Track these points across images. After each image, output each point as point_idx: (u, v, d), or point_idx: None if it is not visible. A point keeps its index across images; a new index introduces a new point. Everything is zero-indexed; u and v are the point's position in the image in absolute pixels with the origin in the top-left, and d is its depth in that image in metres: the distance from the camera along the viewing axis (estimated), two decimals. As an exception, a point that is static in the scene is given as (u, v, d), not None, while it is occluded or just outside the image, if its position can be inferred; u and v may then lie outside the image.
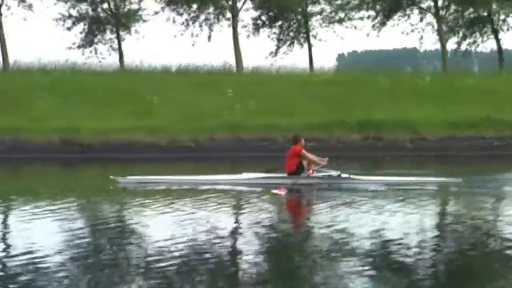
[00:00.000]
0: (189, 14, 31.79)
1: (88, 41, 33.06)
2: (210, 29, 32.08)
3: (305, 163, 13.80)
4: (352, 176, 13.62)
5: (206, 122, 21.36)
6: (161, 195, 11.40)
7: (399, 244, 7.00)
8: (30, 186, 14.05)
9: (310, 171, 14.08)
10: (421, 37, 33.56)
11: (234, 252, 7.05)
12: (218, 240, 7.44)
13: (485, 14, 32.28)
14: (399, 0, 31.81)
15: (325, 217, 9.25)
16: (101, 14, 33.03)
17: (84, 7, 32.61)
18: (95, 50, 33.11)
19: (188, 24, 31.82)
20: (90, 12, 32.93)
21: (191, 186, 12.86)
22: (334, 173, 13.71)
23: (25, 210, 9.76)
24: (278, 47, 33.75)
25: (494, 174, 16.01)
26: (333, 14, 32.93)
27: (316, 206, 11.07)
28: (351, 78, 26.70)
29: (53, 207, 9.66)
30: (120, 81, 25.66)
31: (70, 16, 32.66)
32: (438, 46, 33.65)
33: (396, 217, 9.19)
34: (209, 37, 32.27)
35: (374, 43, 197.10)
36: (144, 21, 33.24)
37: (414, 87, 25.41)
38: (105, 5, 32.67)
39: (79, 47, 32.90)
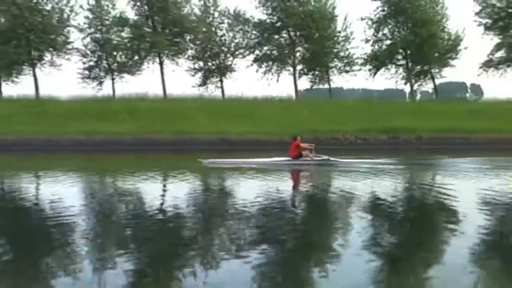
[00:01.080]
0: (266, 67, 47.46)
1: (204, 82, 49.20)
2: (278, 75, 47.77)
3: (302, 151, 21.19)
4: (335, 159, 21.13)
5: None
6: (227, 170, 18.75)
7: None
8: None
9: (311, 156, 21.12)
10: (396, 81, 48.15)
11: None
12: (271, 195, 12.02)
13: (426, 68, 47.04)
14: (383, 61, 46.43)
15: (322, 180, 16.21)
16: (213, 67, 49.30)
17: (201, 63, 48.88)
18: (207, 87, 49.22)
19: (266, 72, 47.55)
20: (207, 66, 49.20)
21: (246, 165, 19.96)
22: (325, 157, 21.23)
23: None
24: (312, 85, 49.13)
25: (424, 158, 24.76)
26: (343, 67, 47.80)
27: (315, 175, 17.92)
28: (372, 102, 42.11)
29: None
30: (236, 104, 41.28)
31: (196, 69, 48.50)
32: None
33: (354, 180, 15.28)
34: (277, 80, 48.00)
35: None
36: (235, 70, 49.38)
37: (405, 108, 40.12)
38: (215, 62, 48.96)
39: (200, 85, 48.94)
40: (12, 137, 34.54)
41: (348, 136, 34.14)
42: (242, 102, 41.75)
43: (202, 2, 46.63)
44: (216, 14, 47.32)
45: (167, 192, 14.00)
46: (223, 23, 47.39)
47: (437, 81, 48.73)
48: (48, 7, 44.94)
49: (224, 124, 35.85)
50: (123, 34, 46.76)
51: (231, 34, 47.85)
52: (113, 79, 47.91)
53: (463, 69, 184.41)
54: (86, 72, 47.80)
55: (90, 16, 46.97)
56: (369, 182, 15.21)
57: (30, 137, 34.44)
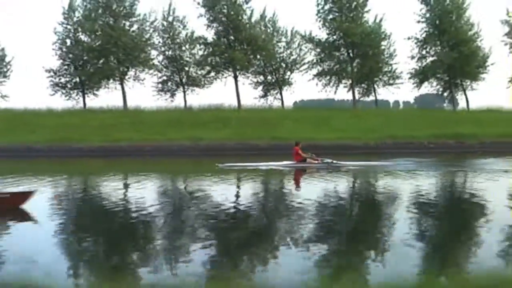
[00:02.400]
0: (326, 80, 51.99)
1: (265, 94, 53.60)
2: (336, 88, 52.17)
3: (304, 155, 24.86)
4: (337, 162, 24.54)
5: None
6: (242, 172, 23.40)
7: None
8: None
9: (317, 160, 24.66)
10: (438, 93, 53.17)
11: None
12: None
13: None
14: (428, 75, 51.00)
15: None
16: (272, 80, 53.62)
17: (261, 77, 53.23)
18: (267, 98, 53.64)
19: (326, 85, 52.09)
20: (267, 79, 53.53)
21: (258, 168, 24.37)
22: (328, 160, 24.64)
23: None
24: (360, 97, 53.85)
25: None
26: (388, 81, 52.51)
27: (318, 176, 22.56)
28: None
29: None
30: (313, 112, 45.73)
31: (258, 82, 52.96)
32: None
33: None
34: (335, 92, 52.59)
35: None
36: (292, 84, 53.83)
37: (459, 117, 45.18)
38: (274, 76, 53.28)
39: (261, 96, 53.42)
40: (123, 143, 38.49)
41: (423, 141, 38.84)
42: (316, 111, 46.31)
43: (263, 22, 51.18)
44: (275, 33, 52.01)
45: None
46: (280, 41, 51.96)
47: (417, 93, 53.78)
48: (134, 28, 49.26)
49: (310, 131, 40.23)
50: (194, 51, 51.18)
51: (288, 51, 52.45)
52: (184, 91, 52.17)
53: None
54: (160, 85, 51.99)
55: (164, 35, 51.25)
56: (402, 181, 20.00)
57: (141, 143, 38.42)
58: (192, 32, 51.29)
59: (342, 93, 67.23)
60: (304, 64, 51.81)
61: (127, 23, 48.94)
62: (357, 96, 52.53)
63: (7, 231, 12.14)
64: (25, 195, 14.70)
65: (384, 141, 38.71)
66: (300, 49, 51.82)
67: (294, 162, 25.31)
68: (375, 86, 52.48)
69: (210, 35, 49.94)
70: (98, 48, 47.73)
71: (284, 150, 36.56)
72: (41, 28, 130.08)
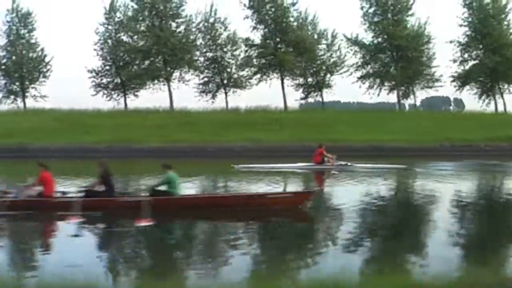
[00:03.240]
0: (370, 83, 51.70)
1: (306, 96, 53.33)
2: (380, 90, 51.93)
3: (324, 158, 24.92)
4: (353, 164, 24.71)
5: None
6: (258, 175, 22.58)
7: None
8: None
9: (332, 162, 24.67)
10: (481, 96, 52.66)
11: None
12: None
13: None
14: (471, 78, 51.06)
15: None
16: (313, 83, 53.34)
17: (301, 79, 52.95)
18: (307, 100, 53.45)
19: (369, 88, 51.84)
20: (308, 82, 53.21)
21: (273, 170, 23.97)
22: (343, 162, 24.80)
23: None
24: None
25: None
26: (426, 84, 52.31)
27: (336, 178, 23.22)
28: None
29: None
30: (343, 114, 45.54)
31: (300, 84, 52.78)
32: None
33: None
34: (378, 94, 52.35)
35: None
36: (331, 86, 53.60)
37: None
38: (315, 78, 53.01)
39: (302, 98, 53.19)
40: (183, 144, 38.03)
41: (479, 143, 38.67)
42: (367, 114, 46.10)
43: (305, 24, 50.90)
44: (316, 36, 51.74)
45: None
46: (321, 43, 51.68)
47: (423, 96, 53.72)
48: (180, 29, 48.89)
49: (365, 133, 40.01)
50: (236, 52, 50.89)
51: (329, 53, 52.20)
52: (226, 93, 51.79)
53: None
54: (202, 86, 51.57)
55: (206, 36, 50.85)
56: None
57: (201, 144, 37.96)
58: (234, 33, 50.87)
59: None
60: (344, 66, 51.43)
61: (174, 24, 48.38)
62: (392, 100, 52.40)
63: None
64: (306, 195, 14.45)
65: (442, 144, 38.41)
66: (340, 52, 51.46)
67: (311, 164, 25.19)
68: (414, 89, 52.19)
69: (255, 37, 49.54)
70: (145, 48, 47.16)
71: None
72: (80, 28, 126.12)
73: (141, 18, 48.02)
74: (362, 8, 48.76)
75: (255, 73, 48.94)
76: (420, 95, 56.51)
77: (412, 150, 36.82)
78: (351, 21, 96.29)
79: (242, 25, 74.04)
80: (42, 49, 52.65)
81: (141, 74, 48.26)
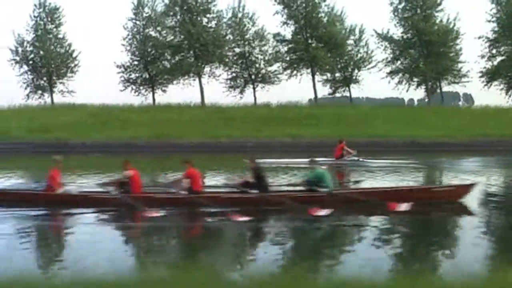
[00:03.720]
0: (399, 78, 51.38)
1: (334, 91, 52.99)
2: (409, 86, 51.55)
3: (344, 152, 25.03)
4: (365, 159, 24.75)
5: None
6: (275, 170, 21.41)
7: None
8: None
9: (348, 156, 24.84)
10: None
11: None
12: None
13: None
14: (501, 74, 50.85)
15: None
16: (340, 78, 53.01)
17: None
18: (334, 96, 53.11)
19: (398, 83, 51.53)
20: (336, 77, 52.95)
21: (287, 165, 23.68)
22: (356, 158, 24.78)
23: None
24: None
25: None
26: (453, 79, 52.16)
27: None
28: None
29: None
30: (376, 110, 45.16)
31: (327, 80, 52.55)
32: None
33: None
34: (407, 90, 51.98)
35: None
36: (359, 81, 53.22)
37: None
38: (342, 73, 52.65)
39: (330, 94, 52.78)
40: (223, 140, 37.70)
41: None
42: (401, 109, 45.80)
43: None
44: (343, 31, 51.35)
45: None
46: (349, 38, 51.31)
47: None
48: (211, 24, 48.50)
49: (403, 129, 39.68)
50: (266, 48, 50.51)
51: (356, 49, 51.85)
52: (254, 88, 51.43)
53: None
54: (230, 81, 51.19)
55: (235, 32, 50.42)
56: None
57: (241, 140, 37.56)
58: (262, 29, 50.49)
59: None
60: (371, 61, 51.08)
61: (205, 19, 48.00)
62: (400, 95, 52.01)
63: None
64: (468, 188, 13.97)
65: (477, 139, 38.10)
66: (368, 47, 51.09)
67: (328, 158, 24.48)
68: (441, 84, 51.84)
69: (285, 32, 49.16)
70: (176, 44, 46.80)
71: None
72: (107, 23, 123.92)
73: (172, 13, 47.40)
74: (391, 3, 48.28)
75: (285, 68, 48.39)
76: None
77: (449, 145, 36.57)
78: (377, 16, 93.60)
79: (269, 20, 72.76)
80: (70, 44, 52.08)
81: (172, 69, 47.77)
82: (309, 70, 48.71)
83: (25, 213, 12.75)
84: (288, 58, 48.10)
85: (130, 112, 43.47)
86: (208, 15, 48.12)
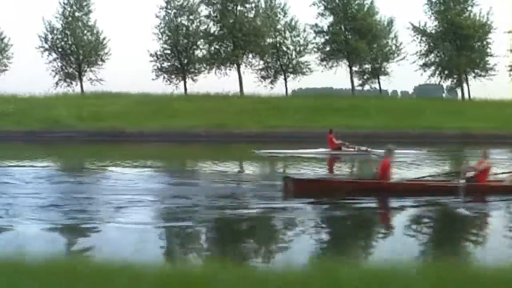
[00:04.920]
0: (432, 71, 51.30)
1: (364, 83, 52.77)
2: (441, 79, 51.53)
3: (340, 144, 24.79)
4: (372, 150, 24.13)
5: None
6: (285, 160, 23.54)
7: None
8: None
9: (354, 148, 24.68)
10: None
11: None
12: None
13: None
14: None
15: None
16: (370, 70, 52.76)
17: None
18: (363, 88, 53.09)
19: (430, 76, 51.41)
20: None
21: (294, 155, 24.19)
22: (364, 148, 24.56)
23: None
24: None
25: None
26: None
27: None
28: None
29: None
30: (422, 102, 45.13)
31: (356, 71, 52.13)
32: None
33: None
34: (439, 83, 52.11)
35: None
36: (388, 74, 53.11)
37: None
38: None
39: (360, 85, 52.50)
40: (280, 130, 37.06)
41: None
42: (439, 101, 45.86)
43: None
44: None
45: None
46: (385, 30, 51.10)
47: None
48: (250, 14, 47.77)
49: (452, 120, 39.66)
50: (298, 39, 50.02)
51: (385, 41, 51.73)
52: (285, 79, 50.94)
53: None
54: (262, 72, 50.57)
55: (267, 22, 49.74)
56: None
57: (298, 130, 36.97)
58: (293, 19, 50.03)
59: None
60: (400, 54, 51.05)
61: (243, 9, 47.28)
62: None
63: None
64: None
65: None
66: (397, 39, 51.02)
67: (329, 149, 25.09)
68: (467, 77, 52.03)
69: (322, 23, 48.72)
70: (218, 33, 46.02)
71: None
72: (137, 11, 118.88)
73: (210, 2, 46.49)
74: (425, -4, 48.24)
75: (322, 60, 47.97)
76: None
77: (501, 137, 36.60)
78: (403, 8, 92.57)
79: (300, 10, 71.95)
80: (98, 32, 50.69)
81: (209, 59, 46.92)
82: (344, 61, 48.15)
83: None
84: (326, 49, 47.55)
85: (175, 100, 42.60)
86: (246, 5, 47.19)
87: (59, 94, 45.88)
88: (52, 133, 35.76)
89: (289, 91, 52.42)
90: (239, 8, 47.39)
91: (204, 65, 47.59)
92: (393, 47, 51.13)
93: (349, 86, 51.30)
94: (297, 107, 41.49)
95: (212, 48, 47.58)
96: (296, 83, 50.71)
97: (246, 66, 48.49)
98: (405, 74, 65.64)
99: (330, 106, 41.83)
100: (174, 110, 39.88)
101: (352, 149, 24.69)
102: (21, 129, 36.63)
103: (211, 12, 47.22)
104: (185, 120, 37.95)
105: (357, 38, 46.56)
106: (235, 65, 47.56)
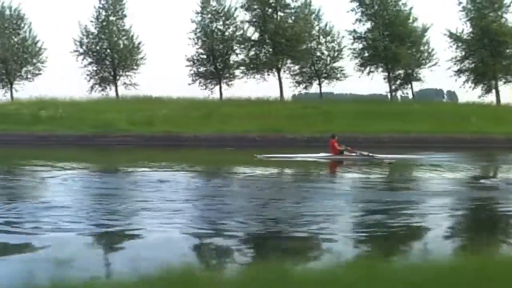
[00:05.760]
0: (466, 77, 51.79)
1: (397, 88, 53.06)
2: (475, 85, 52.04)
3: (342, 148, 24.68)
4: (374, 155, 24.27)
5: None
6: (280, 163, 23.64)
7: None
8: None
9: (355, 152, 24.39)
10: None
11: None
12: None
13: None
14: None
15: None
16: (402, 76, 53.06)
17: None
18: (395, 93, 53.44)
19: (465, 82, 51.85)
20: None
21: (295, 159, 24.23)
22: (366, 153, 24.31)
23: None
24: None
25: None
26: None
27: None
28: None
29: None
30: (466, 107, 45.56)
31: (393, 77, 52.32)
32: None
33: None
34: (473, 89, 52.56)
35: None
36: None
37: None
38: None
39: (392, 90, 52.79)
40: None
41: None
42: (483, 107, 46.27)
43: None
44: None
45: None
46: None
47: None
48: (290, 20, 47.95)
49: (499, 124, 39.94)
50: (333, 44, 50.32)
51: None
52: (320, 84, 51.18)
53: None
54: (296, 77, 50.75)
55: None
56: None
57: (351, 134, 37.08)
58: (327, 25, 50.34)
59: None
60: (431, 59, 51.43)
61: (283, 14, 47.49)
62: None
63: None
64: None
65: None
66: (429, 45, 51.41)
67: (331, 154, 25.17)
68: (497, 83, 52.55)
69: (359, 29, 49.04)
70: (258, 38, 46.20)
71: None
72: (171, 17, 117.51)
73: (250, 8, 46.67)
74: (459, 3, 48.70)
75: (361, 65, 48.26)
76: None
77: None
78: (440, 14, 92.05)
79: (336, 16, 71.83)
80: (133, 36, 50.61)
81: (248, 63, 47.10)
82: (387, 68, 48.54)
83: None
84: (365, 55, 47.85)
85: (223, 105, 42.67)
86: (287, 10, 47.40)
87: (102, 98, 45.85)
88: (106, 137, 35.69)
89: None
90: (279, 14, 47.26)
91: (244, 69, 47.34)
92: (425, 53, 51.33)
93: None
94: (344, 112, 41.63)
95: (251, 53, 47.40)
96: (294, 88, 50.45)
97: (284, 71, 48.47)
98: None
99: (376, 111, 42.03)
100: (223, 115, 39.94)
101: (354, 154, 24.69)
102: (73, 133, 36.48)
103: (251, 18, 47.17)
104: (237, 125, 38.03)
105: (397, 44, 46.67)
106: (275, 70, 47.45)
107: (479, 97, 50.88)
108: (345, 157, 25.01)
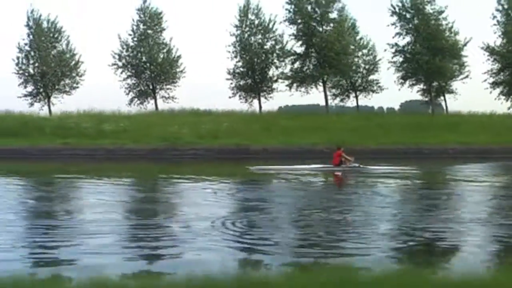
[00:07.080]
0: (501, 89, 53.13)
1: (431, 100, 54.13)
2: (509, 97, 53.60)
3: (342, 159, 25.56)
4: (364, 166, 25.45)
5: None
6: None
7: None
8: None
9: (347, 163, 25.50)
10: None
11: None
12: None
13: None
14: None
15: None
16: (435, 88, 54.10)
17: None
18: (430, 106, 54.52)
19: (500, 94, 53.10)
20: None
21: (288, 172, 24.65)
22: (356, 164, 25.39)
23: None
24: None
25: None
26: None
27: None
28: None
29: None
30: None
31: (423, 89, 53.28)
32: None
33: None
34: (507, 100, 54.01)
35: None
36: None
37: None
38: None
39: (425, 102, 53.80)
40: (400, 146, 37.84)
41: None
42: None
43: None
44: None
45: None
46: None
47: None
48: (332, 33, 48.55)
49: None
50: (369, 57, 51.27)
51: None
52: (357, 96, 51.95)
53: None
54: (333, 89, 51.48)
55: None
56: None
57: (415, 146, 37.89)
58: (362, 38, 51.30)
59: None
60: (464, 72, 52.59)
61: (329, 28, 48.18)
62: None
63: None
64: None
65: None
66: (462, 58, 52.50)
67: (327, 165, 26.07)
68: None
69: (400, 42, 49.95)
70: (303, 52, 46.81)
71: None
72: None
73: (298, 21, 47.23)
74: (494, 17, 50.00)
75: (402, 78, 49.14)
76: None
77: None
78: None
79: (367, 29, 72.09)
80: (170, 50, 50.66)
81: (290, 76, 47.62)
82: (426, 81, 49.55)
83: None
84: (407, 68, 48.74)
85: (279, 118, 43.11)
86: (331, 24, 48.05)
87: (151, 111, 45.70)
88: (177, 150, 35.70)
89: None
90: (324, 27, 47.87)
91: (289, 83, 47.76)
92: (458, 66, 52.44)
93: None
94: (396, 124, 42.40)
95: (295, 66, 47.93)
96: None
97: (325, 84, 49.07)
98: (391, 91, 66.64)
99: (426, 122, 42.97)
100: (282, 127, 40.31)
101: (346, 165, 25.85)
102: (142, 147, 36.38)
103: (295, 31, 47.72)
104: (299, 137, 38.49)
105: (440, 57, 47.63)
106: (320, 83, 48.04)
107: (508, 108, 52.21)
108: (338, 168, 25.79)
